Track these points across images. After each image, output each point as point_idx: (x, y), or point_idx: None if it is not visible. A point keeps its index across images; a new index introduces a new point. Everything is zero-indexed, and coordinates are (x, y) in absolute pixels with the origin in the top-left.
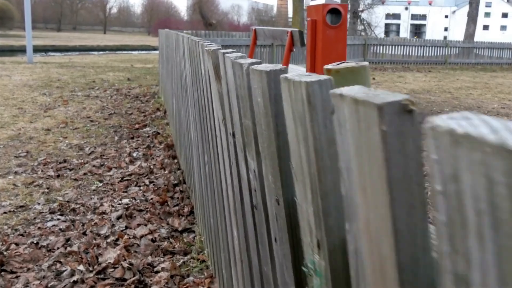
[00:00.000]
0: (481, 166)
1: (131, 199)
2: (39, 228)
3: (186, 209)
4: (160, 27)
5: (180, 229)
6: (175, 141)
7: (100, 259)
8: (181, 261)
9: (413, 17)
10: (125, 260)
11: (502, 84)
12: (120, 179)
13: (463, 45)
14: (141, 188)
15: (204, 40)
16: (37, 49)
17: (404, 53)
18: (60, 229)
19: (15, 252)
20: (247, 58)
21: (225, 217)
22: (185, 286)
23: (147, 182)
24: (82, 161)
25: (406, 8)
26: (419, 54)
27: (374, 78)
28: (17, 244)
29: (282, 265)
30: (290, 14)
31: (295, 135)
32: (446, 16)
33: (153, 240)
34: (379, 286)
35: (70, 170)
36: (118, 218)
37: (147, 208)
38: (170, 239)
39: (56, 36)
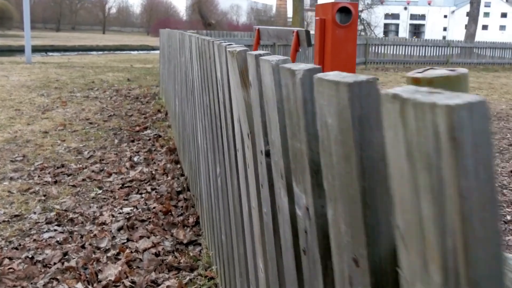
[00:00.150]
0: None
1: (132, 208)
2: (34, 240)
3: (191, 219)
4: (159, 27)
5: (185, 241)
6: (177, 145)
7: (100, 276)
8: (188, 278)
9: (412, 17)
10: (127, 277)
11: (507, 85)
12: (120, 185)
13: (465, 45)
14: (143, 195)
15: (221, 40)
16: (36, 49)
17: (406, 53)
18: (57, 241)
19: (9, 269)
20: (297, 63)
21: (245, 241)
22: None
23: (149, 189)
24: (80, 165)
25: (405, 8)
26: (420, 54)
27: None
28: (10, 259)
29: None
30: (289, 14)
31: (411, 182)
32: (445, 16)
33: (157, 254)
34: None
35: (68, 175)
36: (119, 229)
37: (150, 218)
38: (175, 252)
39: (55, 36)
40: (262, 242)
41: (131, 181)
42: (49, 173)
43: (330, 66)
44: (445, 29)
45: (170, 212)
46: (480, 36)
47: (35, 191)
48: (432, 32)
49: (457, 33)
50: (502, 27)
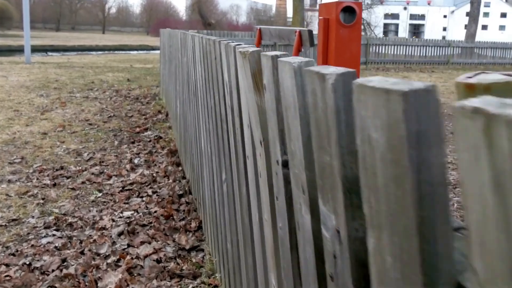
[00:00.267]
0: None
1: (133, 212)
2: (32, 246)
3: (193, 224)
4: (159, 27)
5: (187, 247)
6: (179, 146)
7: (99, 284)
8: (191, 286)
9: (412, 17)
10: (127, 285)
11: None
12: (120, 188)
13: (466, 45)
14: (144, 199)
15: (229, 39)
16: (35, 49)
17: (407, 53)
18: (55, 247)
19: (5, 276)
20: (326, 66)
21: (254, 253)
22: None
23: (150, 192)
24: (80, 168)
25: (405, 8)
26: (421, 54)
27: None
28: (7, 266)
29: None
30: (289, 14)
31: (499, 220)
32: (445, 16)
33: (158, 261)
34: None
35: (67, 178)
36: (119, 234)
37: (151, 222)
38: (177, 259)
39: (55, 36)
40: (275, 258)
41: (131, 184)
42: (48, 175)
43: (334, 66)
44: (444, 29)
45: (171, 216)
46: (480, 36)
47: (34, 194)
48: (431, 32)
49: (457, 33)
50: (502, 27)
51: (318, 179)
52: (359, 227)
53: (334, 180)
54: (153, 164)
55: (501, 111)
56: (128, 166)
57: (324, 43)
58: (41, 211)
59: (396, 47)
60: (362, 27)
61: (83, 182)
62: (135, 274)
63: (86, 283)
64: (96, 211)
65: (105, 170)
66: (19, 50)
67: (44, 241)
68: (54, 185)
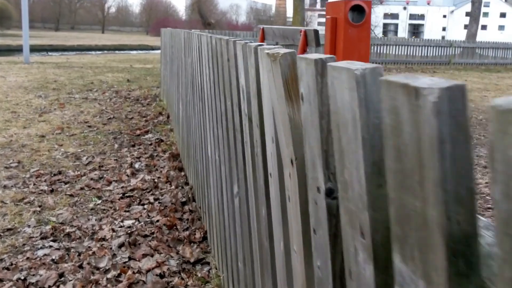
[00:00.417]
0: None
1: (134, 221)
2: (28, 258)
3: (198, 235)
4: (158, 27)
5: (192, 260)
6: (181, 150)
7: None
8: None
9: (411, 17)
10: None
11: None
12: (121, 195)
13: (467, 45)
14: (145, 207)
15: (247, 40)
16: (34, 49)
17: (408, 53)
18: (52, 259)
19: None
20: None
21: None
22: None
23: (151, 199)
24: (78, 172)
25: (405, 8)
26: (423, 54)
27: None
28: (1, 281)
29: None
30: (289, 13)
31: None
32: (444, 16)
33: (162, 276)
34: None
35: (66, 183)
36: (120, 246)
37: (153, 233)
38: (181, 273)
39: (54, 35)
40: None
41: (132, 190)
42: (45, 181)
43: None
44: (444, 29)
45: (175, 226)
46: (479, 36)
47: (30, 201)
48: (431, 32)
49: (456, 33)
50: (501, 27)
51: (395, 226)
52: None
53: (428, 235)
54: (155, 168)
55: None
56: (128, 171)
57: (331, 43)
58: (37, 219)
59: (397, 47)
60: None
61: (81, 188)
62: None
63: None
64: (96, 220)
65: (104, 175)
66: (18, 49)
67: (40, 253)
68: (52, 191)
